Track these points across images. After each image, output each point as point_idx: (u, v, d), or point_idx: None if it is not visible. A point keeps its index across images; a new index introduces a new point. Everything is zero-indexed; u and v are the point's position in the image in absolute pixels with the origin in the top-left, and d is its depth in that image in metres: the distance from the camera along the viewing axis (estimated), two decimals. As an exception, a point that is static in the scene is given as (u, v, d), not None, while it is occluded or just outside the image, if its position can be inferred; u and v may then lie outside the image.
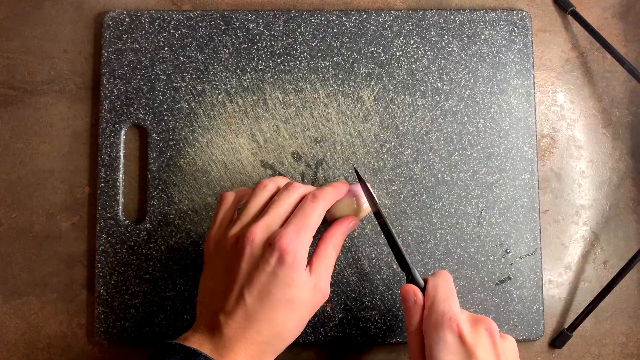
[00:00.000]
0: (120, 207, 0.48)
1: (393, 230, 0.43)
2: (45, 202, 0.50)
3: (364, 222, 0.48)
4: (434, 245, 0.48)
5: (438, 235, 0.48)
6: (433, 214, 0.48)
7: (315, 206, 0.40)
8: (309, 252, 0.40)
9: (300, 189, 0.41)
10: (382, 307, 0.48)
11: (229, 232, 0.40)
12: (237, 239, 0.40)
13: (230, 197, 0.43)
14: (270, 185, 0.42)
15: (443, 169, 0.49)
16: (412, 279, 0.42)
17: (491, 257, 0.48)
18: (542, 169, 0.51)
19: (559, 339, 0.49)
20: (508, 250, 0.48)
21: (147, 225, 0.48)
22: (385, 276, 0.48)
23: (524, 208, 0.49)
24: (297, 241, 0.38)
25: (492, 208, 0.49)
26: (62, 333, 0.49)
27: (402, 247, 0.43)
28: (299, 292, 0.39)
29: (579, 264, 0.51)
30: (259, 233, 0.39)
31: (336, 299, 0.48)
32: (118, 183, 0.49)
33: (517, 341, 0.47)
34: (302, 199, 0.41)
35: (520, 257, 0.48)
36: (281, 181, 0.42)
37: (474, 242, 0.48)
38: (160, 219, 0.48)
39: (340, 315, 0.48)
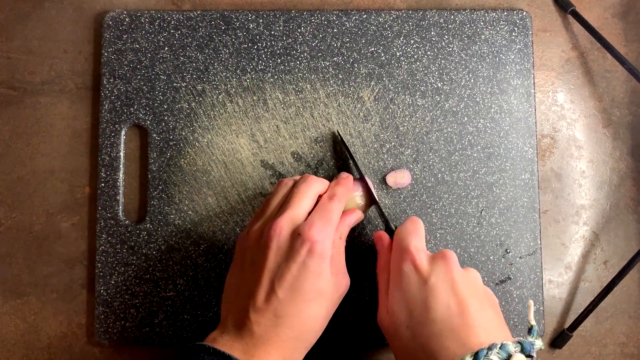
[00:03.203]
0: (120, 207, 0.48)
1: (370, 183, 0.46)
2: (45, 202, 0.50)
3: (364, 222, 0.48)
4: (434, 245, 0.48)
5: (438, 235, 0.48)
6: (433, 214, 0.48)
7: (333, 205, 0.41)
8: None
9: (317, 183, 0.42)
10: (382, 307, 0.48)
11: (252, 228, 0.41)
12: (261, 232, 0.40)
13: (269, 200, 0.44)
14: (290, 182, 0.43)
15: (443, 169, 0.49)
16: (386, 227, 0.45)
17: (491, 257, 0.48)
18: (542, 169, 0.51)
19: (559, 339, 0.49)
20: (508, 250, 0.48)
21: (147, 225, 0.48)
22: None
23: (524, 208, 0.49)
24: (325, 232, 0.39)
25: (492, 208, 0.49)
26: (62, 333, 0.49)
27: (378, 198, 0.45)
28: (328, 284, 0.39)
29: (579, 264, 0.51)
30: (285, 225, 0.39)
31: (336, 299, 0.48)
32: (118, 183, 0.49)
33: (518, 341, 0.47)
34: (319, 199, 0.42)
35: (520, 257, 0.48)
36: (300, 178, 0.43)
37: (474, 242, 0.48)
38: (161, 219, 0.48)
39: (340, 315, 0.48)
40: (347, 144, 0.48)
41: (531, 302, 0.41)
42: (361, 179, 0.46)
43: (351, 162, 0.48)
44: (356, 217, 0.44)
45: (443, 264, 0.39)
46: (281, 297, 0.37)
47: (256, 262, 0.39)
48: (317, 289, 0.38)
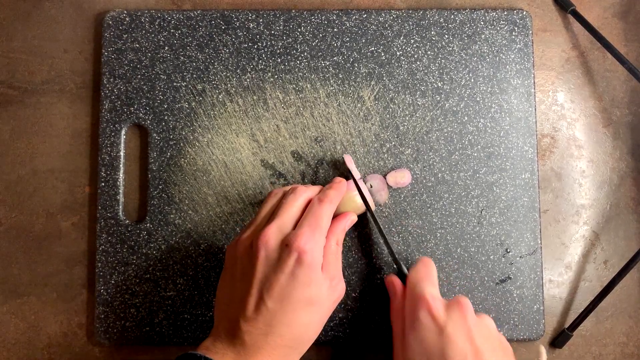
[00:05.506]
0: (120, 207, 0.48)
1: (380, 224, 0.46)
2: (45, 202, 0.50)
3: (365, 221, 0.48)
4: (434, 245, 0.48)
5: (438, 235, 0.48)
6: (433, 214, 0.48)
7: (323, 208, 0.41)
8: None
9: (306, 191, 0.42)
10: (383, 307, 0.48)
11: (242, 237, 0.41)
12: (250, 242, 0.40)
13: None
14: (280, 192, 0.43)
15: (443, 169, 0.49)
16: (398, 270, 0.45)
17: (491, 257, 0.48)
18: (543, 168, 0.51)
19: (559, 339, 0.49)
20: (508, 250, 0.48)
21: (148, 224, 0.48)
22: (385, 276, 0.48)
23: (524, 207, 0.49)
24: (313, 241, 0.39)
25: (492, 207, 0.49)
26: (62, 333, 0.49)
27: (389, 241, 0.46)
28: (318, 292, 0.39)
29: (580, 264, 0.50)
30: (272, 235, 0.39)
31: (336, 298, 0.48)
32: (118, 183, 0.49)
33: (518, 341, 0.48)
34: (309, 203, 0.42)
35: (520, 257, 0.48)
36: (289, 189, 0.43)
37: (474, 241, 0.48)
38: (161, 219, 0.48)
39: (340, 315, 0.48)
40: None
41: (542, 350, 0.42)
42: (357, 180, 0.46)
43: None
44: (351, 220, 0.44)
45: (459, 312, 0.40)
46: (270, 307, 0.37)
47: (246, 272, 0.39)
48: (307, 298, 0.38)
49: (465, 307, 0.40)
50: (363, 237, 0.48)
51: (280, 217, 0.40)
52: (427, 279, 0.42)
